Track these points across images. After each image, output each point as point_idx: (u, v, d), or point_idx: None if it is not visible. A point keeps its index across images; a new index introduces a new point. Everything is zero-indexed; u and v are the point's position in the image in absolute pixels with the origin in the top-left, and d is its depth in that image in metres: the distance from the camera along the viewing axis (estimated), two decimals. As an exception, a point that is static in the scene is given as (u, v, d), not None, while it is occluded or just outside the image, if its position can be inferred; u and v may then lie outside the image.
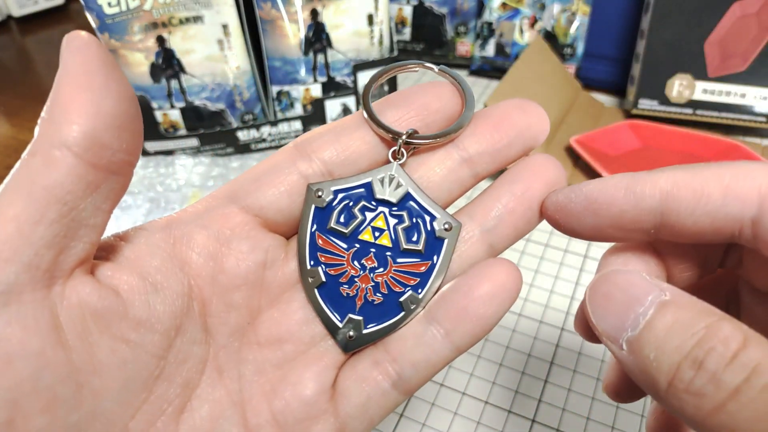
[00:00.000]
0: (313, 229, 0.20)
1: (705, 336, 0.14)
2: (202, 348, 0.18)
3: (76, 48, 0.15)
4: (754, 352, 0.13)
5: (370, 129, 0.20)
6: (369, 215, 0.20)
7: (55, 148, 0.15)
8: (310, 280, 0.20)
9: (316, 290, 0.20)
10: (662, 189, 0.16)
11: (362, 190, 0.20)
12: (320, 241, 0.20)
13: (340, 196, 0.20)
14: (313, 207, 0.20)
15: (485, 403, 0.36)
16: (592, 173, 0.49)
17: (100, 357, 0.16)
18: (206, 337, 0.19)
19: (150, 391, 0.17)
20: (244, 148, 0.56)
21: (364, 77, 0.54)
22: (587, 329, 0.19)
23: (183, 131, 0.53)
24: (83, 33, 0.16)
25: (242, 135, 0.55)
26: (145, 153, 0.54)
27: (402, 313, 0.20)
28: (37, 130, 0.15)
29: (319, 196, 0.20)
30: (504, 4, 0.63)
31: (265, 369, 0.19)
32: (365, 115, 0.20)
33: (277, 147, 0.57)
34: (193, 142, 0.54)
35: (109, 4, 0.46)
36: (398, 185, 0.20)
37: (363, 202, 0.20)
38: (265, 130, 0.55)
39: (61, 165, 0.15)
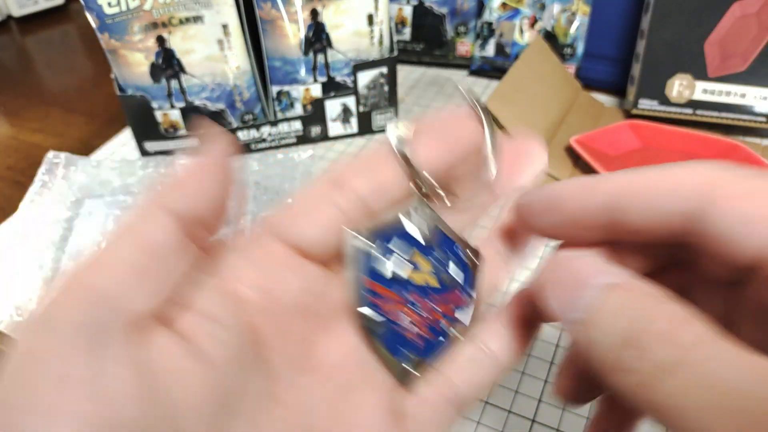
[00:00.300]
0: (358, 273, 0.20)
1: (645, 317, 0.14)
2: (264, 380, 0.19)
3: (214, 139, 0.18)
4: (689, 332, 0.13)
5: (397, 163, 0.20)
6: (406, 253, 0.20)
7: (167, 215, 0.17)
8: (362, 323, 0.20)
9: (370, 332, 0.20)
10: (613, 187, 0.16)
11: (395, 228, 0.20)
12: (366, 284, 0.20)
13: (376, 237, 0.20)
14: (354, 251, 0.20)
15: (485, 403, 0.36)
16: (591, 173, 0.49)
17: (178, 396, 0.16)
18: (266, 368, 0.19)
19: (221, 428, 0.18)
20: (244, 148, 0.56)
21: (364, 77, 0.54)
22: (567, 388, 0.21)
23: (183, 131, 0.53)
24: (218, 128, 0.19)
25: (242, 135, 0.55)
26: (145, 153, 0.54)
27: (451, 343, 0.21)
28: (151, 195, 0.17)
29: (358, 240, 0.20)
30: (504, 4, 0.63)
31: (326, 396, 0.20)
32: (400, 163, 0.20)
33: (277, 147, 0.57)
34: (194, 142, 0.54)
35: (109, 4, 0.46)
36: (425, 220, 0.20)
37: (398, 241, 0.20)
38: (265, 130, 0.55)
39: (169, 229, 0.17)
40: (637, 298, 0.15)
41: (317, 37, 0.51)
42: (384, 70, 0.54)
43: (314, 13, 0.50)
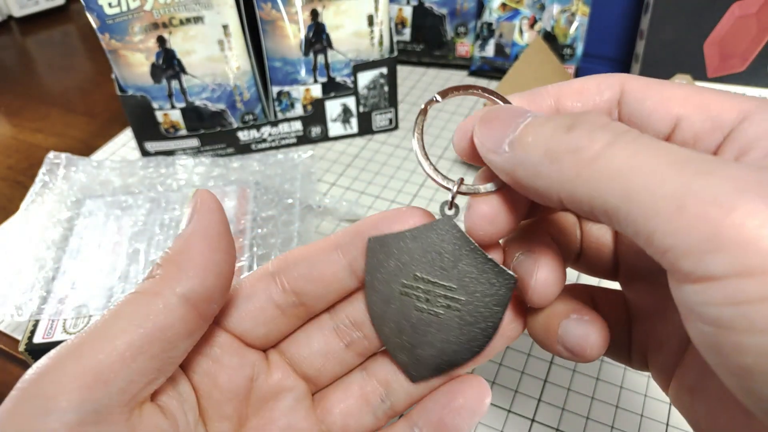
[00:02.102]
0: None
1: (575, 115, 0.16)
2: None
3: (208, 209, 0.18)
4: (618, 123, 0.16)
5: (339, 254, 0.21)
6: None
7: (175, 296, 0.17)
8: None
9: None
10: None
11: None
12: None
13: None
14: None
15: (485, 403, 0.36)
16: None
17: None
18: None
19: None
20: (244, 149, 0.56)
21: (364, 78, 0.54)
22: (469, 151, 0.20)
23: (184, 131, 0.53)
24: (212, 194, 0.19)
25: (243, 135, 0.55)
26: (146, 153, 0.54)
27: None
28: (159, 270, 0.18)
29: None
30: (504, 5, 0.63)
31: None
32: (423, 162, 0.21)
33: (277, 147, 0.57)
34: (194, 142, 0.54)
35: (110, 5, 0.46)
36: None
37: None
38: (266, 130, 0.55)
39: (177, 311, 0.17)
40: (546, 122, 0.17)
41: (317, 38, 0.51)
42: (384, 70, 0.54)
43: (314, 14, 0.50)
